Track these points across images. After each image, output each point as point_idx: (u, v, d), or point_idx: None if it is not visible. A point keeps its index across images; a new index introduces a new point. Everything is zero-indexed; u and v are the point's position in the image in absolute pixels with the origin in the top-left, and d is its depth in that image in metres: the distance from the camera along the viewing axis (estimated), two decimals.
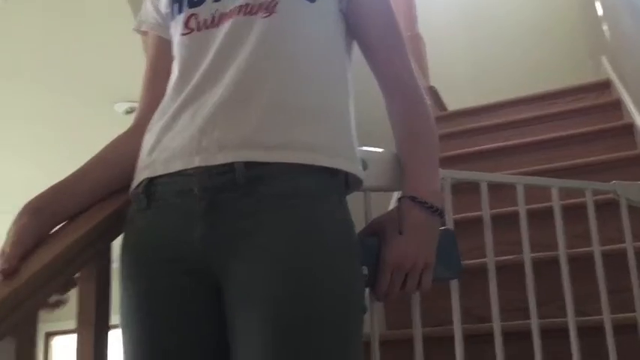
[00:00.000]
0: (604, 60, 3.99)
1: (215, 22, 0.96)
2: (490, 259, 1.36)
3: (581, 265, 1.61)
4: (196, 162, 0.86)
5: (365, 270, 0.92)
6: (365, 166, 0.98)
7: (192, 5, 0.98)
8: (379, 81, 1.05)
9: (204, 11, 0.97)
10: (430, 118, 1.03)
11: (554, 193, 1.42)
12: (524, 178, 1.53)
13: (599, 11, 3.85)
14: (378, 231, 0.97)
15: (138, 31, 1.14)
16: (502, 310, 1.37)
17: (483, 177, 1.41)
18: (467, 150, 3.32)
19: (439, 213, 0.95)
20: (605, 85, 3.70)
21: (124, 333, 0.91)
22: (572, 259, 1.76)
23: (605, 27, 3.77)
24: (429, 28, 4.50)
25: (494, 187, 1.94)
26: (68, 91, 3.36)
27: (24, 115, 3.60)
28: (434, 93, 4.18)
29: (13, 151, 4.00)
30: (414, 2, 4.38)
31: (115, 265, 0.97)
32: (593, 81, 3.87)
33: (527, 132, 3.31)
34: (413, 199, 0.94)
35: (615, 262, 1.62)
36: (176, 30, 1.00)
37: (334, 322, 0.82)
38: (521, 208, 1.40)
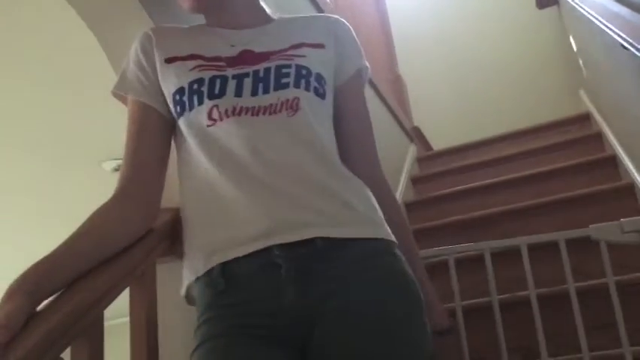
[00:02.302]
0: (582, 93, 4.06)
1: (237, 111, 1.01)
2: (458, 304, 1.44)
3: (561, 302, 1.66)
4: (275, 241, 0.93)
5: None
6: None
7: (212, 97, 1.02)
8: (349, 155, 1.12)
9: (224, 103, 1.01)
10: (401, 210, 1.18)
11: (524, 250, 1.50)
12: (492, 243, 1.64)
13: (574, 47, 3.95)
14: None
15: (117, 95, 1.14)
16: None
17: (452, 250, 1.57)
18: (454, 189, 3.35)
19: None
20: (586, 118, 3.76)
21: None
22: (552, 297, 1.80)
23: (580, 62, 3.85)
24: (410, 69, 4.59)
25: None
26: (52, 153, 3.30)
27: (7, 185, 3.52)
28: (419, 133, 4.24)
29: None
30: (394, 44, 4.48)
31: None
32: (573, 114, 3.93)
33: (513, 168, 3.34)
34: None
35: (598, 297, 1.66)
36: (196, 119, 1.03)
37: None
38: (490, 275, 1.49)
